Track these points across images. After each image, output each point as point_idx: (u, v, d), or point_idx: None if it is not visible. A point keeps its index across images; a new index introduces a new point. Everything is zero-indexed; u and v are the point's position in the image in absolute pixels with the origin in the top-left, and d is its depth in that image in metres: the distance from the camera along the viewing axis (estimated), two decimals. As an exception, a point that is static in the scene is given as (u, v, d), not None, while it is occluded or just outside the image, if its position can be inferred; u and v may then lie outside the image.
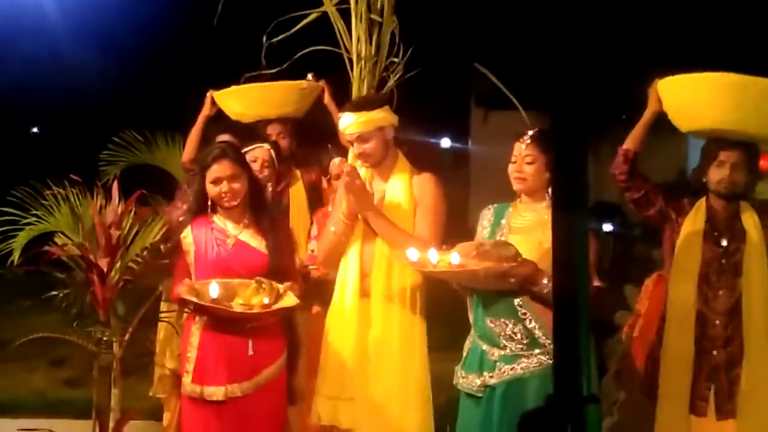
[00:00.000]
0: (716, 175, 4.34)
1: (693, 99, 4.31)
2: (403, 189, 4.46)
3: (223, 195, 4.35)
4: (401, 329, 4.38)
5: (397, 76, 4.90)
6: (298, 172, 5.63)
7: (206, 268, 4.36)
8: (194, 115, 5.99)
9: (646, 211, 4.51)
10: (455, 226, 4.54)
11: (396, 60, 4.89)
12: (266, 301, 4.19)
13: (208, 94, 5.97)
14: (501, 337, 4.03)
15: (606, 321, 5.80)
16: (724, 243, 4.33)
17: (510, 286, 3.94)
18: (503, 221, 4.19)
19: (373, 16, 4.76)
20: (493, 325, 4.05)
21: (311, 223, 5.36)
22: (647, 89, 4.45)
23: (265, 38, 5.13)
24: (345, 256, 4.52)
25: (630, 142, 4.47)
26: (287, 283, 4.27)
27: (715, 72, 4.20)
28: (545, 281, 3.85)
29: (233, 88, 5.88)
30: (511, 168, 4.17)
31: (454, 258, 3.95)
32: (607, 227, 9.07)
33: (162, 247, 4.53)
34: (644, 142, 4.46)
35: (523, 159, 4.12)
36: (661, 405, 4.39)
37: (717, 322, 4.28)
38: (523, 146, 4.12)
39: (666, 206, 4.46)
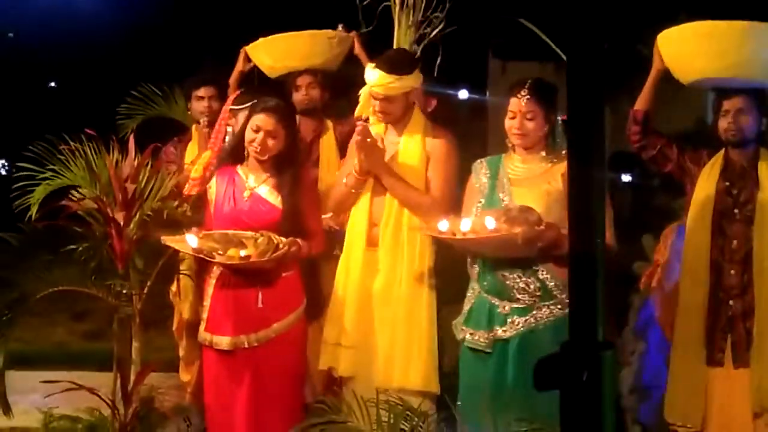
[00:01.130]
0: (723, 124, 4.35)
1: (682, 50, 4.30)
2: (416, 144, 4.50)
3: (256, 145, 4.36)
4: (408, 280, 4.42)
5: (437, 29, 4.89)
6: (329, 123, 5.59)
7: (222, 219, 4.41)
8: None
9: (664, 167, 4.52)
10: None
11: (439, 15, 4.88)
12: (243, 254, 4.20)
13: (241, 50, 5.91)
14: (514, 290, 4.01)
15: (624, 272, 5.78)
16: (736, 192, 4.32)
17: (532, 252, 3.92)
18: (500, 173, 4.17)
19: None
20: (505, 279, 4.03)
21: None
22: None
23: None
24: (355, 206, 4.58)
25: (639, 103, 4.48)
26: (289, 239, 4.26)
27: (700, 21, 4.19)
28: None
29: (260, 40, 5.81)
30: (509, 124, 4.13)
31: (489, 222, 3.91)
32: (626, 177, 9.02)
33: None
34: (654, 100, 4.45)
35: (524, 115, 4.08)
36: (675, 354, 4.41)
37: (732, 271, 4.29)
38: (523, 102, 4.07)
39: (683, 158, 4.46)
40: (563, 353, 1.44)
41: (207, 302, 4.47)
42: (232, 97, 5.22)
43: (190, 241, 4.21)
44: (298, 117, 5.65)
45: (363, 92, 4.66)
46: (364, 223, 4.52)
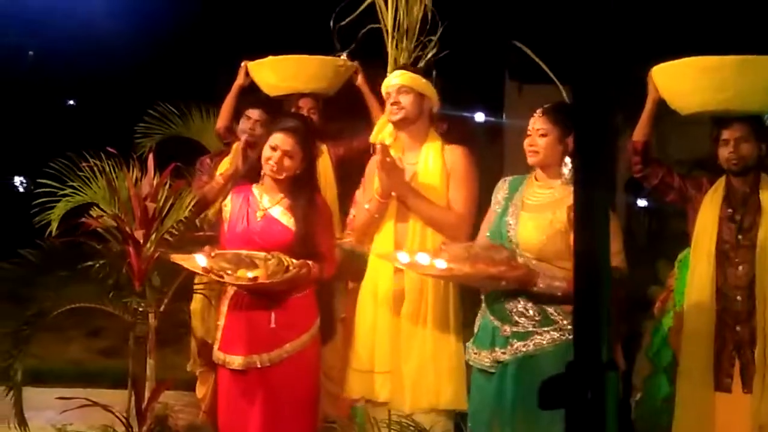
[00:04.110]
0: (723, 153, 4.37)
1: (680, 84, 4.37)
2: (435, 163, 4.48)
3: (272, 163, 4.37)
4: (435, 302, 4.39)
5: (431, 53, 4.94)
6: (323, 147, 5.63)
7: (235, 239, 4.39)
8: (228, 88, 6.01)
9: (667, 196, 4.58)
10: (489, 200, 4.53)
11: (432, 38, 4.93)
12: (250, 275, 4.18)
13: (242, 64, 5.96)
14: (513, 313, 4.00)
15: (639, 297, 5.79)
16: (739, 218, 4.34)
17: (504, 287, 3.95)
18: (517, 196, 4.17)
19: None
20: (505, 301, 4.03)
21: (352, 203, 5.32)
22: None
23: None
24: (379, 232, 4.53)
25: (637, 133, 4.53)
26: (300, 261, 4.25)
27: (696, 56, 4.26)
28: (540, 282, 3.87)
29: (268, 58, 5.85)
30: (525, 142, 4.15)
31: (439, 263, 3.96)
32: (642, 202, 9.04)
33: (197, 220, 4.59)
34: (652, 130, 4.49)
35: (537, 132, 4.09)
36: (681, 380, 4.40)
37: (738, 297, 4.30)
38: (535, 119, 4.11)
39: (684, 186, 4.50)
40: (568, 373, 1.46)
41: (221, 321, 4.45)
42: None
43: (199, 260, 4.20)
44: None
45: (380, 121, 4.76)
46: (390, 249, 4.45)
